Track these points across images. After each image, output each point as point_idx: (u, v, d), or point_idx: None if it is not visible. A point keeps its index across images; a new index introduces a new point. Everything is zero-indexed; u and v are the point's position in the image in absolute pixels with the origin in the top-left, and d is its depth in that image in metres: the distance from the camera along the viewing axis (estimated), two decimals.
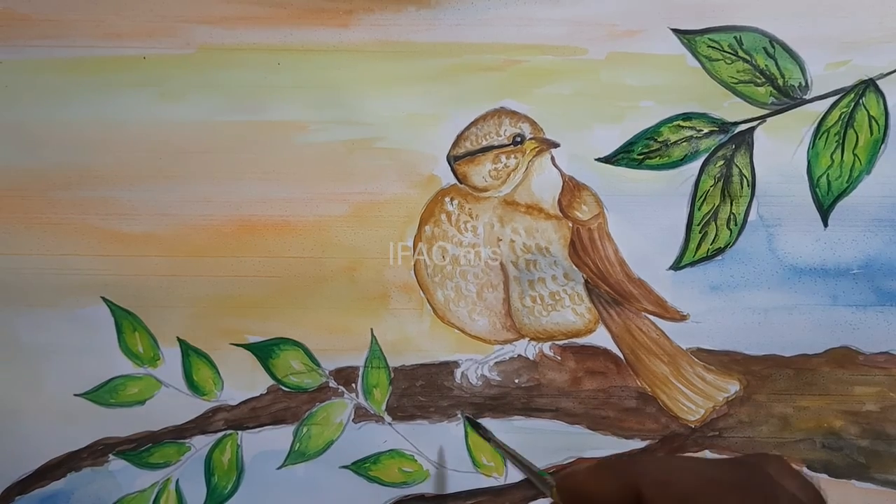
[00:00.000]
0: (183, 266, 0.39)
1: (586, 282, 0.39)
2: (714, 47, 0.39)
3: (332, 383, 0.40)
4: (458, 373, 0.40)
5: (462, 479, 0.40)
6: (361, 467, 0.39)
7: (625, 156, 0.39)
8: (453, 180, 0.39)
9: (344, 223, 0.39)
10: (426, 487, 0.40)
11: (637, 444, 0.40)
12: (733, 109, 0.39)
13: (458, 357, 0.40)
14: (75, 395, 0.40)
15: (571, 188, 0.39)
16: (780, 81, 0.39)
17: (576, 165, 0.39)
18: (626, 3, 0.39)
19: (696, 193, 0.39)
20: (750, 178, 0.39)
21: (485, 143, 0.39)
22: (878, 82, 0.39)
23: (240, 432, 0.40)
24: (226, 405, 0.40)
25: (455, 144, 0.39)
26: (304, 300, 0.40)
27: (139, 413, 0.40)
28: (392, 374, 0.40)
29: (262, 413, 0.40)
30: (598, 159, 0.39)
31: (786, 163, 0.39)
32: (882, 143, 0.39)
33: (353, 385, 0.40)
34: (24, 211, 0.39)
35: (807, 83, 0.39)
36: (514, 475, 0.40)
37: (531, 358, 0.40)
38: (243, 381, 0.40)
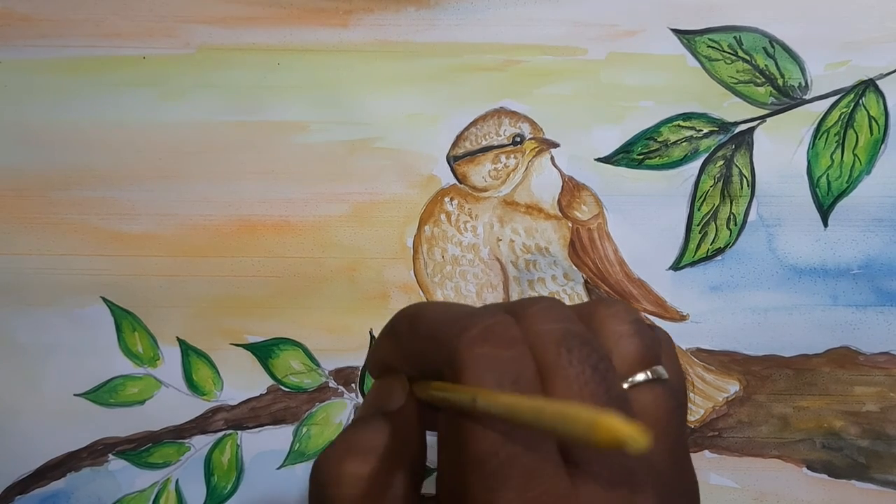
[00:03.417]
0: (183, 266, 0.39)
1: (586, 282, 0.39)
2: (714, 47, 0.39)
3: (332, 383, 0.40)
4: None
5: None
6: None
7: (624, 156, 0.39)
8: (453, 180, 0.39)
9: (343, 223, 0.39)
10: (426, 487, 0.40)
11: None
12: (733, 109, 0.39)
13: None
14: (75, 395, 0.40)
15: (571, 188, 0.39)
16: (780, 81, 0.39)
17: (575, 165, 0.39)
18: (626, 3, 0.39)
19: (695, 193, 0.39)
20: (750, 178, 0.39)
21: (484, 143, 0.39)
22: (877, 82, 0.39)
23: (239, 432, 0.40)
24: (225, 405, 0.40)
25: (455, 144, 0.39)
26: (303, 300, 0.40)
27: (139, 413, 0.40)
28: None
29: (262, 413, 0.40)
30: (598, 159, 0.39)
31: (786, 163, 0.39)
32: (882, 143, 0.39)
33: (353, 385, 0.40)
34: (23, 211, 0.39)
35: (807, 83, 0.39)
36: None
37: None
38: (243, 381, 0.40)
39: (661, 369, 0.24)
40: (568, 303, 0.39)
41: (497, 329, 0.22)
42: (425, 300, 0.26)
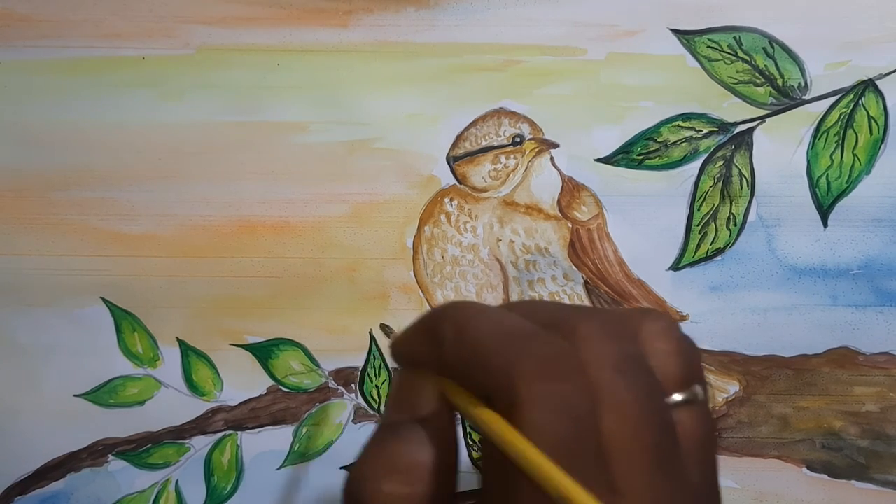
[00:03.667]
0: (182, 266, 0.39)
1: (586, 282, 0.39)
2: (713, 48, 0.39)
3: (332, 384, 0.40)
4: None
5: (462, 479, 0.40)
6: None
7: (624, 156, 0.39)
8: (453, 181, 0.39)
9: (343, 223, 0.39)
10: None
11: None
12: (733, 110, 0.39)
13: None
14: (74, 395, 0.40)
15: (571, 188, 0.39)
16: (780, 82, 0.39)
17: (575, 166, 0.39)
18: (626, 3, 0.39)
19: (695, 194, 0.39)
20: (749, 179, 0.39)
21: (484, 144, 0.39)
22: (877, 82, 0.39)
23: (239, 433, 0.40)
24: (225, 406, 0.40)
25: (454, 145, 0.39)
26: (303, 300, 0.40)
27: (139, 413, 0.40)
28: (392, 375, 0.40)
29: (262, 413, 0.40)
30: (598, 160, 0.39)
31: (785, 163, 0.39)
32: (882, 143, 0.39)
33: (353, 385, 0.40)
34: (23, 211, 0.39)
35: (806, 83, 0.39)
36: None
37: None
38: (243, 381, 0.40)
39: (699, 389, 0.24)
40: (567, 303, 0.40)
41: (554, 359, 0.22)
42: (461, 302, 0.25)
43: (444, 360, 0.23)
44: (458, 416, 0.24)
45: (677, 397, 0.23)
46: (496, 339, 0.22)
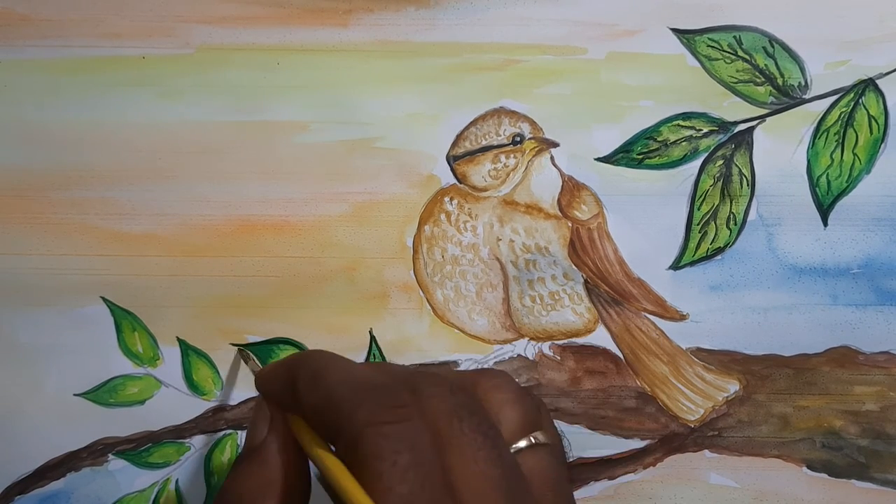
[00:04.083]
0: (182, 266, 0.39)
1: (586, 281, 0.39)
2: (713, 47, 0.39)
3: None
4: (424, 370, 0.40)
5: None
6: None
7: (624, 155, 0.39)
8: (453, 180, 0.39)
9: (343, 223, 0.39)
10: None
11: (637, 443, 0.40)
12: (733, 109, 0.39)
13: (457, 357, 0.40)
14: (74, 394, 0.40)
15: (571, 188, 0.39)
16: (780, 81, 0.39)
17: (575, 165, 0.39)
18: (626, 2, 0.39)
19: (695, 193, 0.39)
20: (749, 178, 0.39)
21: (484, 143, 0.39)
22: (877, 82, 0.39)
23: (240, 432, 0.40)
24: (225, 405, 0.40)
25: (454, 144, 0.39)
26: (303, 300, 0.40)
27: (139, 413, 0.40)
28: None
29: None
30: (598, 159, 0.39)
31: (785, 162, 0.39)
32: (882, 142, 0.39)
33: None
34: (23, 211, 0.40)
35: (806, 83, 0.39)
36: None
37: (531, 358, 0.40)
38: (243, 380, 0.40)
39: (541, 435, 0.26)
40: (568, 303, 0.40)
41: (393, 403, 0.24)
42: (320, 351, 0.30)
43: (300, 401, 0.26)
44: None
45: (521, 444, 0.26)
46: (346, 385, 0.25)
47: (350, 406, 0.24)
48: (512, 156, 0.39)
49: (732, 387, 0.39)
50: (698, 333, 0.39)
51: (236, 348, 0.39)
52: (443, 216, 0.39)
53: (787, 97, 0.39)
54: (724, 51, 0.39)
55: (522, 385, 0.39)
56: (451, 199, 0.39)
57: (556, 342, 0.40)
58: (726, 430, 0.39)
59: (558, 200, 0.39)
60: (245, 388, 0.40)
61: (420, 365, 0.40)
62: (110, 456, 0.40)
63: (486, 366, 0.40)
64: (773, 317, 0.39)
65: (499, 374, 0.28)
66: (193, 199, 0.39)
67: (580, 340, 0.40)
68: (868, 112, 0.39)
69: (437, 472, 0.23)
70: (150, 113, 0.39)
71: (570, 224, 0.39)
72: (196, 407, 0.40)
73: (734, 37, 0.39)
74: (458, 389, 0.26)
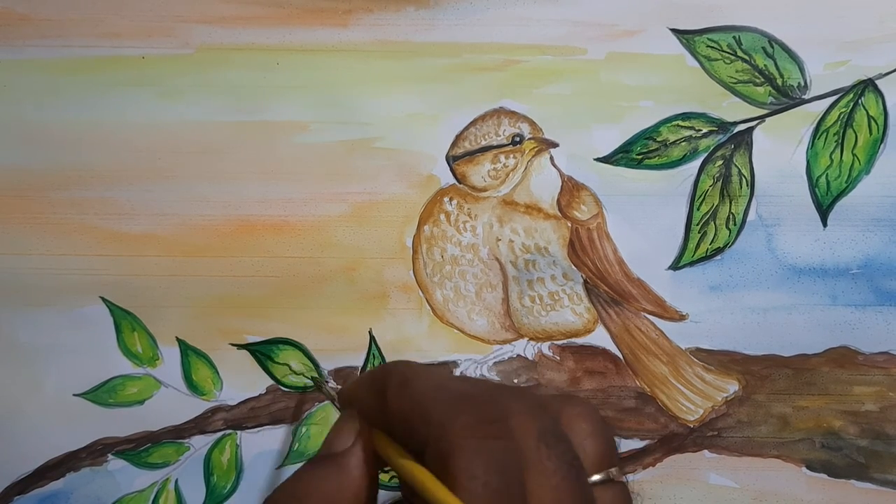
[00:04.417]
0: (182, 266, 0.39)
1: (585, 282, 0.39)
2: (713, 47, 0.39)
3: (332, 383, 0.40)
4: (457, 373, 0.40)
5: None
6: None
7: (624, 156, 0.39)
8: (452, 180, 0.39)
9: (343, 223, 0.39)
10: None
11: (636, 443, 0.40)
12: (732, 109, 0.39)
13: (457, 357, 0.40)
14: (74, 394, 0.40)
15: (570, 188, 0.39)
16: (779, 81, 0.39)
17: (575, 165, 0.39)
18: (626, 3, 0.39)
19: (695, 193, 0.39)
20: (749, 178, 0.39)
21: (484, 143, 0.39)
22: (877, 82, 0.39)
23: (239, 432, 0.40)
24: (225, 405, 0.40)
25: (454, 144, 0.39)
26: (302, 300, 0.40)
27: (138, 413, 0.40)
28: None
29: (262, 413, 0.40)
30: (597, 159, 0.39)
31: (785, 163, 0.39)
32: (881, 142, 0.39)
33: None
34: (22, 211, 0.40)
35: (806, 83, 0.39)
36: None
37: (530, 358, 0.40)
38: (242, 381, 0.40)
39: (616, 471, 0.26)
40: (567, 303, 0.40)
41: (488, 419, 0.24)
42: (408, 361, 0.29)
43: (387, 408, 0.26)
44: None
45: (596, 477, 0.26)
46: (437, 394, 0.25)
47: (443, 416, 0.24)
48: (511, 156, 0.39)
49: (732, 387, 0.39)
50: (698, 333, 0.39)
51: (312, 380, 0.39)
52: (442, 216, 0.39)
53: (787, 97, 0.39)
54: (723, 51, 0.39)
55: (522, 385, 0.39)
56: (451, 199, 0.39)
57: (555, 342, 0.40)
58: (726, 430, 0.39)
59: (558, 201, 0.39)
60: (245, 388, 0.40)
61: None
62: (110, 456, 0.40)
63: (485, 366, 0.40)
64: (773, 317, 0.39)
65: (584, 402, 0.27)
66: (193, 199, 0.39)
67: (580, 340, 0.40)
68: (867, 112, 0.39)
69: (522, 497, 0.23)
70: (150, 113, 0.39)
71: (569, 224, 0.39)
72: (196, 407, 0.40)
73: (734, 37, 0.39)
74: (544, 412, 0.25)
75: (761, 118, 0.39)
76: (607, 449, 0.26)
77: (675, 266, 0.39)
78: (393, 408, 0.26)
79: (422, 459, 0.24)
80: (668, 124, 0.39)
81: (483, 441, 0.23)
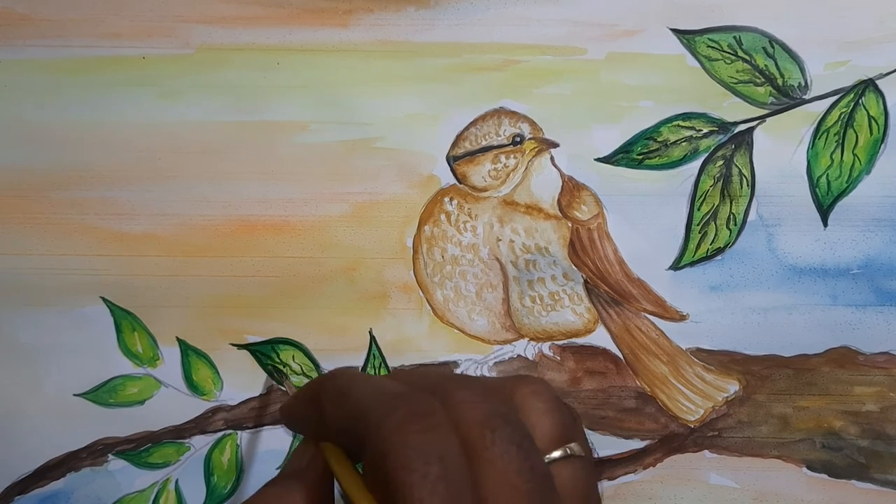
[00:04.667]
0: (182, 266, 0.39)
1: (586, 282, 0.39)
2: (713, 47, 0.39)
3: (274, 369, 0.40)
4: (457, 373, 0.40)
5: None
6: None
7: (624, 156, 0.39)
8: (452, 180, 0.39)
9: (343, 223, 0.39)
10: None
11: (637, 443, 0.40)
12: (733, 109, 0.39)
13: (457, 357, 0.40)
14: (74, 394, 0.40)
15: (571, 188, 0.39)
16: (780, 81, 0.39)
17: (575, 165, 0.39)
18: (626, 3, 0.39)
19: (695, 193, 0.39)
20: (749, 178, 0.39)
21: (484, 143, 0.39)
22: (877, 82, 0.39)
23: (239, 432, 0.40)
24: (225, 405, 0.40)
25: (454, 144, 0.39)
26: (303, 300, 0.40)
27: (138, 413, 0.40)
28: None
29: (262, 413, 0.40)
30: (598, 159, 0.39)
31: (785, 163, 0.39)
32: (882, 142, 0.39)
33: None
34: (23, 211, 0.40)
35: (806, 83, 0.39)
36: None
37: (530, 358, 0.40)
38: (243, 381, 0.40)
39: (576, 446, 0.26)
40: (568, 303, 0.40)
41: (423, 411, 0.23)
42: (342, 369, 0.29)
43: (327, 420, 0.26)
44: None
45: (555, 454, 0.25)
46: (371, 396, 0.24)
47: (377, 416, 0.23)
48: (512, 156, 0.39)
49: (732, 387, 0.39)
50: (698, 334, 0.39)
51: (268, 370, 0.39)
52: (443, 216, 0.39)
53: (787, 97, 0.39)
54: (723, 51, 0.39)
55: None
56: (451, 199, 0.39)
57: (555, 342, 0.40)
58: (726, 430, 0.39)
59: (558, 201, 0.39)
60: (245, 389, 0.40)
61: (419, 365, 0.40)
62: (110, 456, 0.40)
63: (485, 366, 0.40)
64: (773, 317, 0.39)
65: (537, 380, 0.27)
66: (193, 199, 0.39)
67: (580, 341, 0.40)
68: (868, 112, 0.39)
69: (468, 484, 0.22)
70: (150, 113, 0.39)
71: (569, 224, 0.39)
72: (196, 407, 0.40)
73: (734, 37, 0.39)
74: (493, 394, 0.25)
75: (762, 118, 0.39)
76: (563, 425, 0.26)
77: (676, 266, 0.39)
78: (331, 418, 0.26)
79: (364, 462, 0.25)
80: (669, 124, 0.39)
81: (418, 434, 0.23)
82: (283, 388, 0.39)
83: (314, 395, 0.27)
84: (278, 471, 0.40)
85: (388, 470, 0.22)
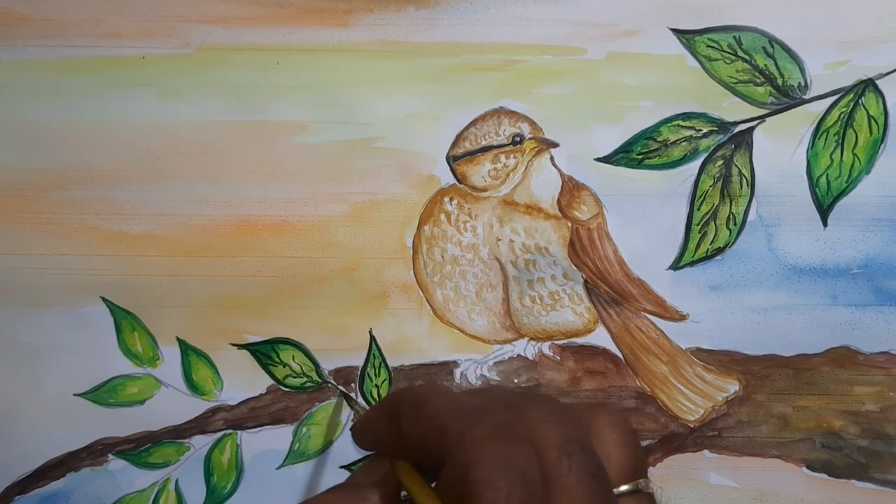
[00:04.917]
0: (182, 266, 0.39)
1: (585, 282, 0.39)
2: (713, 47, 0.39)
3: (332, 383, 0.40)
4: (457, 373, 0.40)
5: None
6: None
7: (624, 156, 0.39)
8: (452, 180, 0.39)
9: (343, 223, 0.39)
10: None
11: None
12: (732, 109, 0.39)
13: (457, 357, 0.40)
14: (74, 394, 0.40)
15: (571, 188, 0.39)
16: (780, 81, 0.39)
17: (575, 165, 0.39)
18: (626, 3, 0.39)
19: (695, 193, 0.39)
20: (749, 178, 0.39)
21: (484, 143, 0.39)
22: (877, 82, 0.39)
23: (239, 432, 0.40)
24: (225, 405, 0.40)
25: (454, 144, 0.39)
26: (303, 300, 0.40)
27: (138, 413, 0.40)
28: (391, 375, 0.40)
29: (262, 413, 0.40)
30: (598, 159, 0.39)
31: (785, 162, 0.39)
32: (881, 142, 0.39)
33: (353, 385, 0.40)
34: (23, 211, 0.40)
35: (806, 83, 0.39)
36: None
37: (530, 358, 0.40)
38: (243, 381, 0.40)
39: (645, 482, 0.25)
40: (568, 303, 0.40)
41: (506, 427, 0.23)
42: (418, 385, 0.28)
43: (404, 434, 0.25)
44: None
45: (624, 487, 0.25)
46: (451, 410, 0.24)
47: (458, 428, 0.23)
48: (512, 156, 0.39)
49: (732, 387, 0.39)
50: (698, 333, 0.39)
51: (339, 392, 0.39)
52: (442, 216, 0.39)
53: (787, 97, 0.39)
54: (723, 51, 0.39)
55: (522, 385, 0.39)
56: (451, 199, 0.39)
57: (555, 342, 0.40)
58: (726, 430, 0.39)
59: (558, 200, 0.39)
60: (245, 388, 0.40)
61: (419, 365, 0.40)
62: (110, 456, 0.40)
63: (485, 366, 0.40)
64: (773, 317, 0.39)
65: (614, 412, 0.27)
66: (193, 199, 0.39)
67: (580, 340, 0.40)
68: (868, 112, 0.39)
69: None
70: (150, 113, 0.39)
71: (569, 224, 0.39)
72: (196, 407, 0.40)
73: (734, 37, 0.39)
74: (570, 420, 0.25)
75: (761, 118, 0.39)
76: (635, 459, 0.26)
77: (676, 266, 0.39)
78: (409, 433, 0.25)
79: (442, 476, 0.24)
80: (669, 124, 0.39)
81: (502, 449, 0.22)
82: (354, 409, 0.39)
83: (391, 409, 0.26)
84: (278, 471, 0.40)
85: (471, 484, 0.22)
